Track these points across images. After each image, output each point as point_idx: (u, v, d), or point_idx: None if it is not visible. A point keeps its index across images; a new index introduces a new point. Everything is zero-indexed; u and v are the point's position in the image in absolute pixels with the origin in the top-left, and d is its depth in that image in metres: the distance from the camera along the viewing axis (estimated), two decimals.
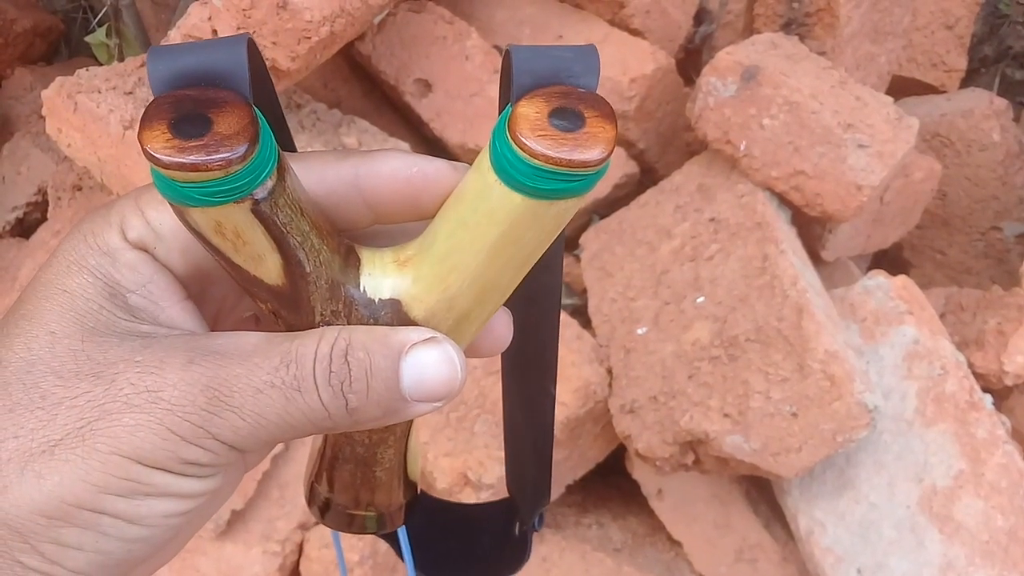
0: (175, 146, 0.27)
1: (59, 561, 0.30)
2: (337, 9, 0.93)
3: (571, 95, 0.29)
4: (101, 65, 1.21)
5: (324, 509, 0.39)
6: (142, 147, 0.27)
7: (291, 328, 0.33)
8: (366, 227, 0.34)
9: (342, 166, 0.33)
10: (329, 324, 0.32)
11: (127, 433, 0.30)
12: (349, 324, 0.32)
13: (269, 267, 0.31)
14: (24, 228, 1.36)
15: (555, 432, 0.96)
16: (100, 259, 0.33)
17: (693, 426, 0.90)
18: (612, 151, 0.28)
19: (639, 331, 0.99)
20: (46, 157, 1.35)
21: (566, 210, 0.30)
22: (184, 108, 0.27)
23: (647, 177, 1.21)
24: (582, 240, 1.14)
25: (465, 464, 0.98)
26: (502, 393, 0.45)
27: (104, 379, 0.30)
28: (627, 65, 1.13)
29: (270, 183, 0.29)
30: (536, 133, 0.28)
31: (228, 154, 0.27)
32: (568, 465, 1.05)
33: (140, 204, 0.33)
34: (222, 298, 0.37)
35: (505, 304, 0.35)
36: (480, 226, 0.30)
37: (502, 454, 0.98)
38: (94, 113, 1.01)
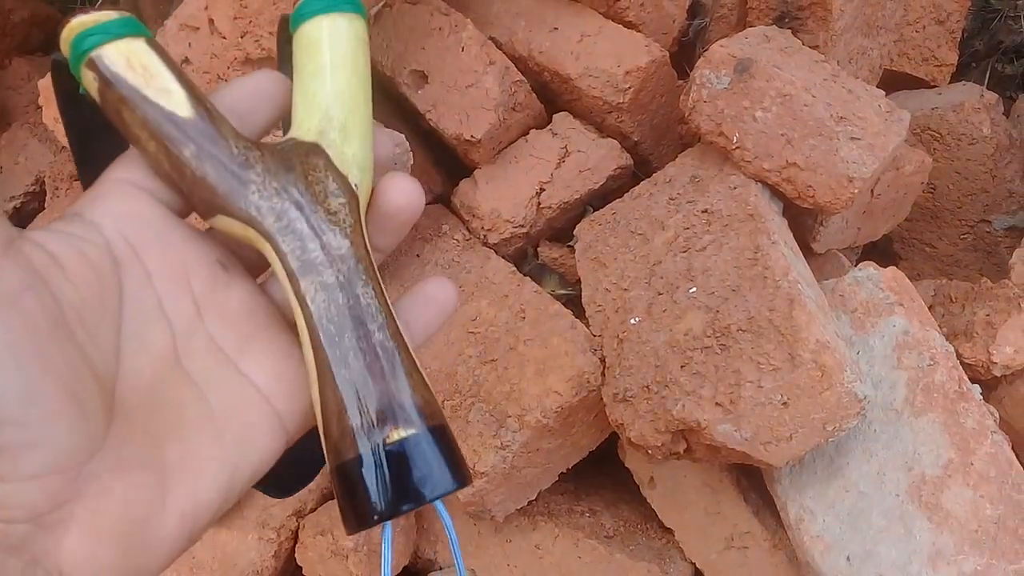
0: (87, 14, 0.38)
1: None
2: None
3: None
4: None
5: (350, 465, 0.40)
6: (65, 27, 0.38)
7: (215, 167, 0.38)
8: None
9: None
10: (247, 155, 0.39)
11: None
12: (263, 153, 0.39)
13: (177, 99, 0.38)
14: (21, 218, 1.36)
15: (549, 421, 0.97)
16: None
17: (685, 415, 0.91)
18: None
19: (632, 321, 1.00)
20: (44, 147, 1.35)
21: (355, 25, 0.42)
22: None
23: (641, 169, 1.22)
24: (576, 231, 1.15)
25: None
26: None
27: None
28: (621, 58, 1.14)
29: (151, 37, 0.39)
30: None
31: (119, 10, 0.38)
32: (561, 453, 1.06)
33: (95, 211, 0.38)
34: None
35: None
36: (312, 57, 0.41)
37: (496, 442, 0.99)
38: None
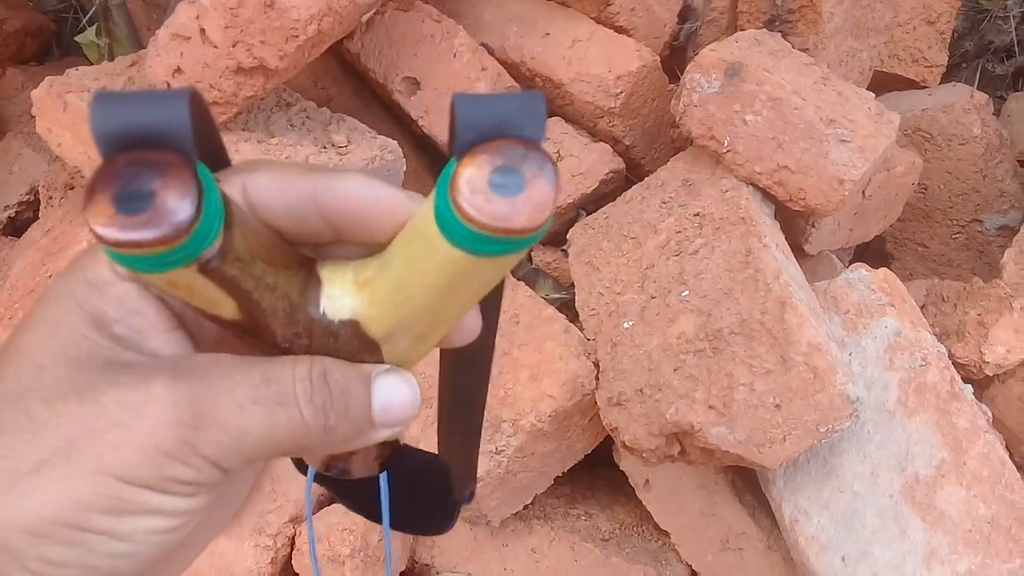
0: (119, 223, 0.27)
1: None
2: (324, 7, 0.94)
3: (514, 152, 0.28)
4: (92, 65, 1.21)
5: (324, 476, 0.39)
6: (86, 219, 0.27)
7: (256, 349, 0.34)
8: (328, 243, 0.35)
9: (303, 181, 0.34)
10: (291, 343, 0.33)
11: (112, 450, 0.30)
12: (311, 343, 0.34)
13: (225, 308, 0.32)
14: (16, 227, 1.36)
15: (544, 425, 0.98)
16: (87, 291, 0.34)
17: (679, 418, 0.92)
18: (550, 215, 0.28)
19: (625, 325, 1.01)
20: (38, 156, 1.35)
21: (506, 263, 0.31)
22: (127, 178, 0.27)
23: (633, 173, 1.23)
24: (569, 235, 1.15)
25: None
26: (438, 387, 0.46)
27: (88, 400, 0.31)
28: (613, 62, 1.15)
29: (216, 244, 0.29)
30: (476, 197, 0.28)
31: (170, 230, 0.27)
32: (556, 457, 1.07)
33: None
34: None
35: None
36: (427, 272, 0.31)
37: (491, 447, 0.99)
38: (83, 112, 1.02)
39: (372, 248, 0.34)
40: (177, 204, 0.27)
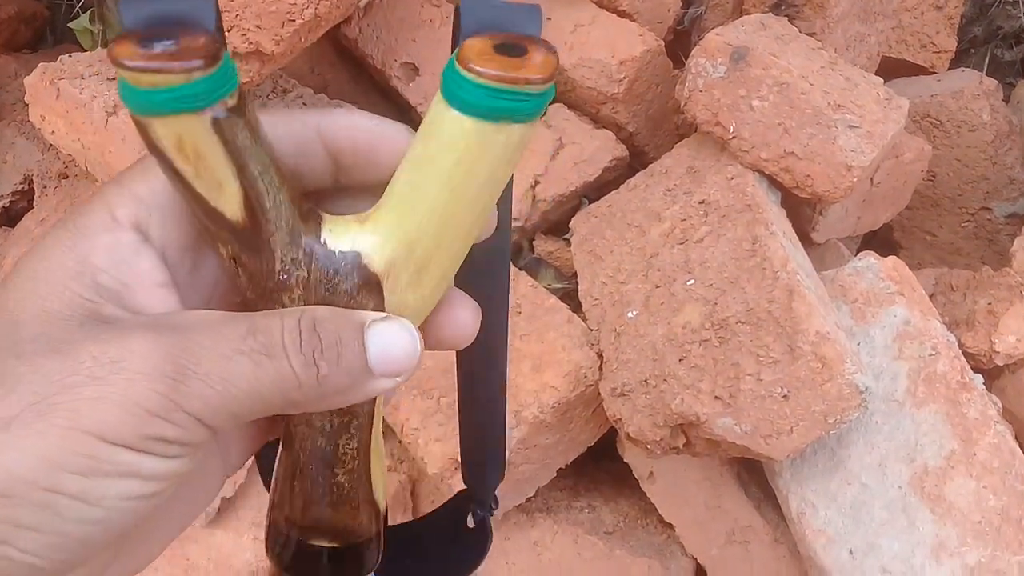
0: (142, 55, 0.28)
1: (11, 541, 0.28)
2: None
3: (515, 36, 0.31)
4: (85, 51, 1.19)
5: (284, 548, 0.38)
6: (110, 58, 0.28)
7: (252, 279, 0.33)
8: (328, 185, 0.35)
9: (307, 117, 0.34)
10: (289, 274, 0.33)
11: (88, 407, 0.28)
12: (309, 278, 0.33)
13: (229, 197, 0.31)
14: (10, 217, 1.35)
15: (546, 416, 0.96)
16: (76, 238, 0.32)
17: (684, 409, 0.90)
18: (554, 75, 0.30)
19: (629, 314, 0.99)
20: (32, 145, 1.34)
21: (513, 138, 0.32)
22: (153, 29, 0.28)
23: (637, 160, 1.21)
24: (572, 224, 1.13)
25: (455, 449, 0.98)
26: (457, 376, 0.46)
27: (64, 354, 0.29)
28: (616, 47, 1.13)
29: (231, 101, 0.30)
30: (482, 58, 0.30)
31: (190, 63, 0.28)
32: (559, 449, 1.05)
33: (124, 182, 0.33)
34: (214, 282, 0.36)
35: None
36: (434, 158, 0.32)
37: None
38: (77, 99, 1.00)
39: (369, 199, 0.34)
40: (198, 46, 0.28)
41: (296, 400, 0.32)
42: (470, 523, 0.49)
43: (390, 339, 0.33)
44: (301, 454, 0.37)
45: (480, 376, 0.45)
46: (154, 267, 0.33)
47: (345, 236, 0.33)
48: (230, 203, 0.32)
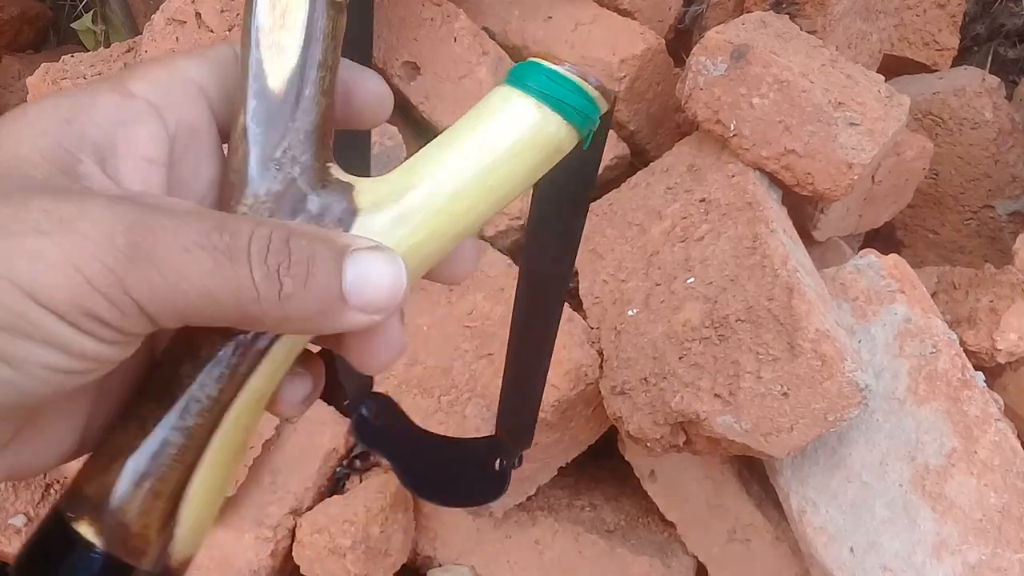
0: None
1: None
2: None
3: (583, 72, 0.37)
4: (87, 51, 1.20)
5: (47, 523, 0.32)
6: None
7: (242, 164, 0.33)
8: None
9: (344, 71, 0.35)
10: (279, 164, 0.33)
11: (25, 259, 0.25)
12: (303, 170, 0.33)
13: (282, 64, 0.33)
14: None
15: (547, 415, 0.96)
16: (80, 93, 0.30)
17: (684, 407, 0.90)
18: (609, 97, 0.37)
19: (630, 313, 0.99)
20: None
21: (558, 134, 0.35)
22: None
23: (638, 158, 1.21)
24: None
25: None
26: (507, 345, 0.49)
27: (14, 202, 0.26)
28: (617, 46, 1.13)
29: None
30: (555, 61, 0.35)
31: None
32: (560, 447, 1.05)
33: (140, 70, 0.33)
34: (208, 188, 0.35)
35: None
36: (478, 131, 0.35)
37: None
38: None
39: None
40: None
41: (255, 315, 0.29)
42: (496, 466, 0.54)
43: (372, 268, 0.31)
44: (147, 387, 0.33)
45: (529, 344, 0.48)
46: (152, 139, 0.31)
47: (345, 174, 0.35)
48: (278, 71, 0.33)
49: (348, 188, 0.34)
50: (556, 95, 0.34)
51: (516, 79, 0.35)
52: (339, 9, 0.34)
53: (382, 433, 0.61)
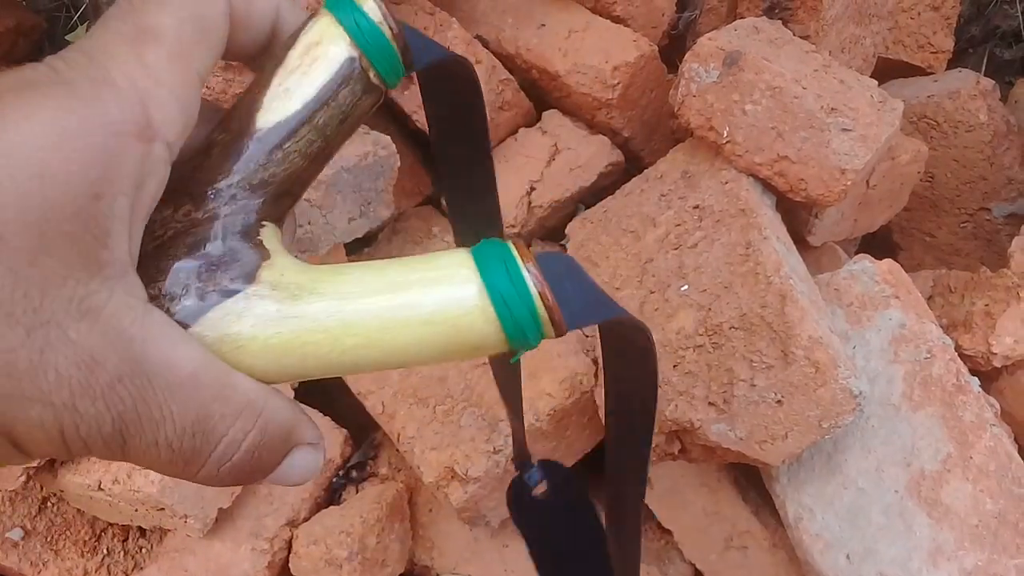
0: None
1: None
2: (313, 0, 0.93)
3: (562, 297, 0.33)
4: None
5: None
6: None
7: (197, 173, 0.32)
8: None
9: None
10: (217, 194, 0.32)
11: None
12: (232, 213, 0.31)
13: (281, 106, 0.32)
14: None
15: (542, 424, 0.96)
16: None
17: (678, 415, 0.90)
18: (560, 334, 0.32)
19: None
20: None
21: (473, 341, 0.32)
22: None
23: (632, 165, 1.21)
24: (568, 229, 1.13)
25: (452, 457, 0.98)
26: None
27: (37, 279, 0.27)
28: (610, 53, 1.13)
29: (374, 78, 0.33)
30: (535, 263, 0.32)
31: (390, 24, 0.33)
32: (556, 456, 1.05)
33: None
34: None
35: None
36: (403, 286, 0.31)
37: (489, 447, 0.97)
38: None
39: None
40: (400, 25, 0.34)
41: (177, 476, 0.32)
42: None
43: (301, 467, 0.34)
44: None
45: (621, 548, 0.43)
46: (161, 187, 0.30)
47: (279, 245, 0.33)
48: (276, 111, 0.32)
49: (261, 256, 0.32)
50: (507, 296, 0.31)
51: (480, 254, 0.32)
52: (370, 89, 0.33)
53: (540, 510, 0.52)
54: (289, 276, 0.31)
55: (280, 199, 0.33)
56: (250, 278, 0.31)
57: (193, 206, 0.31)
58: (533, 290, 0.31)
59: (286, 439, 0.33)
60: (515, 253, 0.32)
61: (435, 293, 0.31)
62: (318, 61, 0.33)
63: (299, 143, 0.33)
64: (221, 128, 0.33)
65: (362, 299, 0.31)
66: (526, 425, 0.97)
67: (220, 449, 0.31)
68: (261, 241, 0.32)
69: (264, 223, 0.33)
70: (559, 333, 0.32)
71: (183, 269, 0.30)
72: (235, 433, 0.31)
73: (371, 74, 0.33)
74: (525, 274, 0.31)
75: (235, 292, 0.31)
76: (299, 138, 0.32)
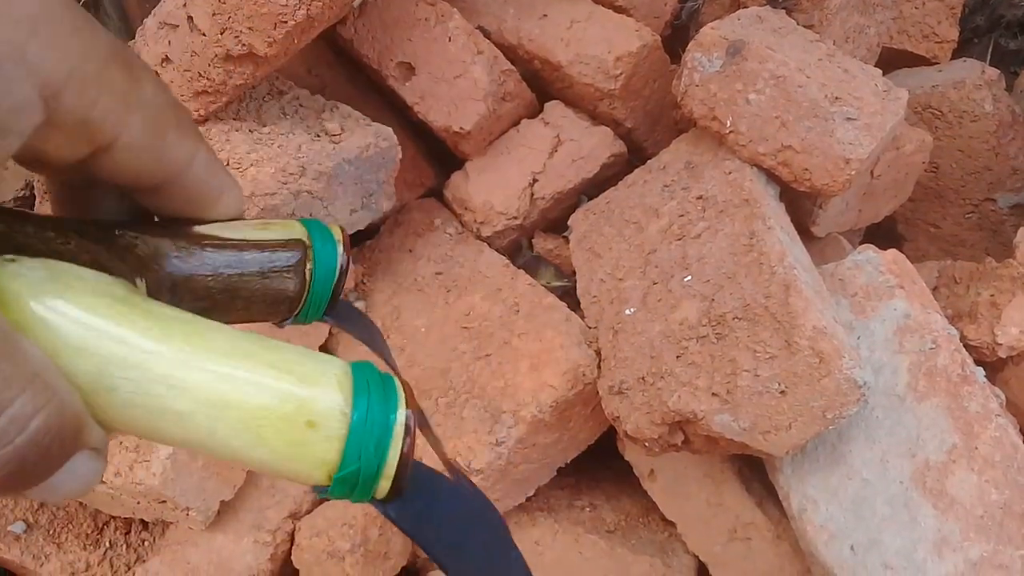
0: None
1: None
2: None
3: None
4: None
5: None
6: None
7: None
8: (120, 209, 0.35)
9: (178, 151, 0.33)
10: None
11: None
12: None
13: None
14: None
15: (545, 415, 0.96)
16: None
17: (681, 406, 0.89)
18: (392, 496, 0.30)
19: (627, 312, 0.98)
20: None
21: (311, 459, 0.29)
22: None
23: (636, 156, 1.20)
24: (571, 221, 1.13)
25: (455, 449, 0.98)
26: None
27: None
28: (612, 43, 1.12)
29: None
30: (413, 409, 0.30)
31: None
32: (559, 448, 1.05)
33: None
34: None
35: None
36: (247, 355, 0.28)
37: (491, 439, 0.97)
38: None
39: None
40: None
41: None
42: None
43: (83, 475, 0.28)
44: None
45: None
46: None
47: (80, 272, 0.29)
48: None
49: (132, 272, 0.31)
50: (369, 429, 0.28)
51: (359, 372, 0.29)
52: (299, 276, 0.35)
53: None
54: (151, 305, 0.29)
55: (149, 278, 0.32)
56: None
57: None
58: (391, 458, 0.28)
59: (76, 435, 0.27)
60: (399, 400, 0.29)
61: (280, 386, 0.28)
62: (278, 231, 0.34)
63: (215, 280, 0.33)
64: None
65: (206, 353, 0.28)
66: (529, 417, 0.97)
67: (0, 424, 0.24)
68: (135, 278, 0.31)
69: (139, 279, 0.31)
70: (392, 496, 0.29)
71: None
72: (23, 406, 0.25)
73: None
74: (394, 437, 0.28)
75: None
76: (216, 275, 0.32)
